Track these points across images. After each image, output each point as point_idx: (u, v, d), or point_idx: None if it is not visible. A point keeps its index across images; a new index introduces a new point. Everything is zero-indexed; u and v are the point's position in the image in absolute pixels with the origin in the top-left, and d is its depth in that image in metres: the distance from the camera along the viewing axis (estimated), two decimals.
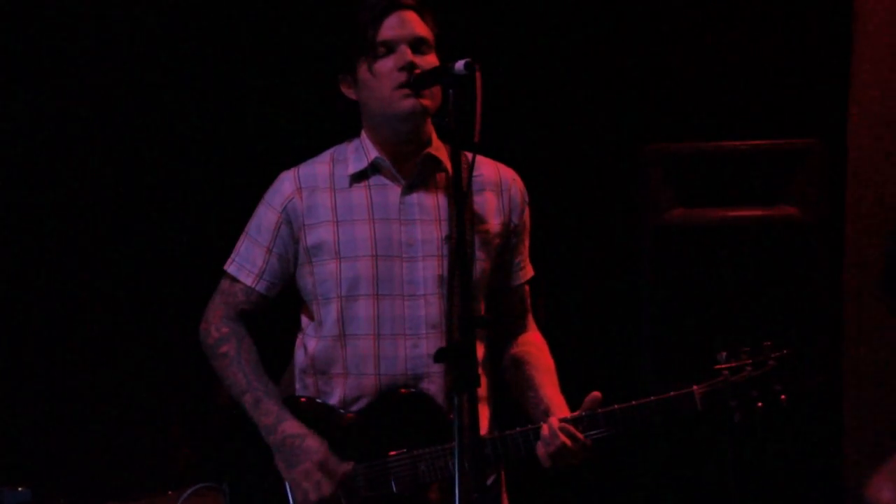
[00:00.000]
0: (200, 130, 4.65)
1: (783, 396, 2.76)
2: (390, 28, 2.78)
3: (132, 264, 4.68)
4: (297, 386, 2.94)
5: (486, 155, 2.93)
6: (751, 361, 2.78)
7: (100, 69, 4.56)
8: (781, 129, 4.20)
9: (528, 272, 3.03)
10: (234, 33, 4.64)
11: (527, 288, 3.04)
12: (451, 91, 2.55)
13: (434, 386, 2.80)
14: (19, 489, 4.07)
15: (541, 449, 2.71)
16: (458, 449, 2.33)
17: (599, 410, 2.74)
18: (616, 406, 2.75)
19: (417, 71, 2.74)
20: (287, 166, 2.96)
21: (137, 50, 4.60)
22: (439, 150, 2.87)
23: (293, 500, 2.78)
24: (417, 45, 2.78)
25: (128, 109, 4.60)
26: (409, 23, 2.79)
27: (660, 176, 4.05)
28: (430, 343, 2.79)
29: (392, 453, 2.77)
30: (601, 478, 4.30)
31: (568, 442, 2.69)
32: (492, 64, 2.60)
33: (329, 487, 2.73)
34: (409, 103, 2.75)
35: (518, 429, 2.76)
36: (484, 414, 2.87)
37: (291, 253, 2.86)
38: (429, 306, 2.80)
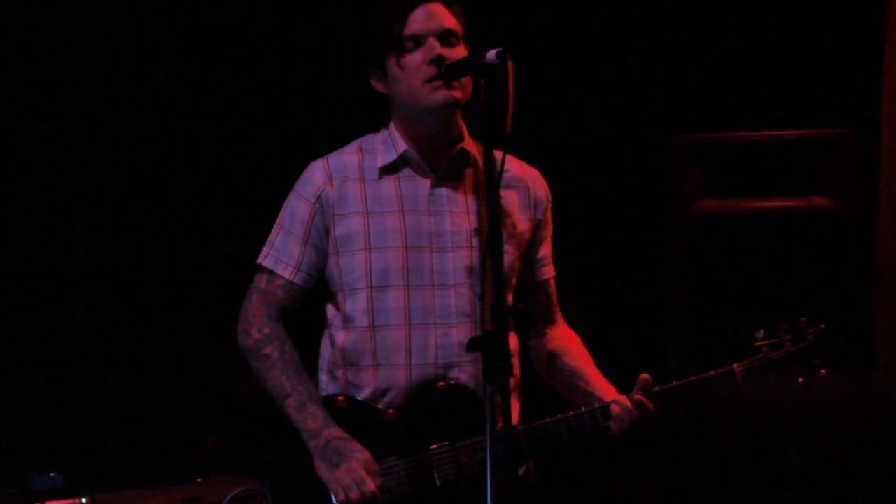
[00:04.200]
0: (220, 127, 4.69)
1: (822, 371, 2.77)
2: (417, 21, 2.77)
3: (162, 254, 4.71)
4: (325, 379, 2.93)
5: (515, 144, 2.93)
6: (790, 337, 2.80)
7: (128, 63, 4.59)
8: (813, 118, 4.17)
9: (552, 269, 3.05)
10: (261, 26, 4.66)
11: (552, 283, 3.05)
12: (482, 81, 2.54)
13: (465, 375, 2.80)
14: (51, 475, 4.10)
15: (613, 425, 2.76)
16: (490, 438, 2.32)
17: (656, 388, 2.78)
18: (657, 388, 2.79)
19: (447, 63, 2.73)
20: (302, 160, 2.96)
21: (163, 44, 4.62)
22: (470, 144, 2.88)
23: (336, 500, 2.76)
24: (446, 37, 2.77)
25: (144, 104, 4.63)
26: (436, 15, 2.78)
27: (689, 166, 4.04)
28: (460, 332, 2.79)
29: (433, 447, 2.77)
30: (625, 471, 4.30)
31: (641, 415, 2.75)
32: (520, 54, 2.60)
33: (372, 485, 2.72)
34: (439, 95, 2.75)
35: (584, 409, 2.79)
36: (514, 406, 2.87)
37: (325, 244, 2.85)
38: (459, 296, 2.81)
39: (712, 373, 2.78)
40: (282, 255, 2.88)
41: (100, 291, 4.64)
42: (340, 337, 2.88)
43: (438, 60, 2.73)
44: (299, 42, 4.67)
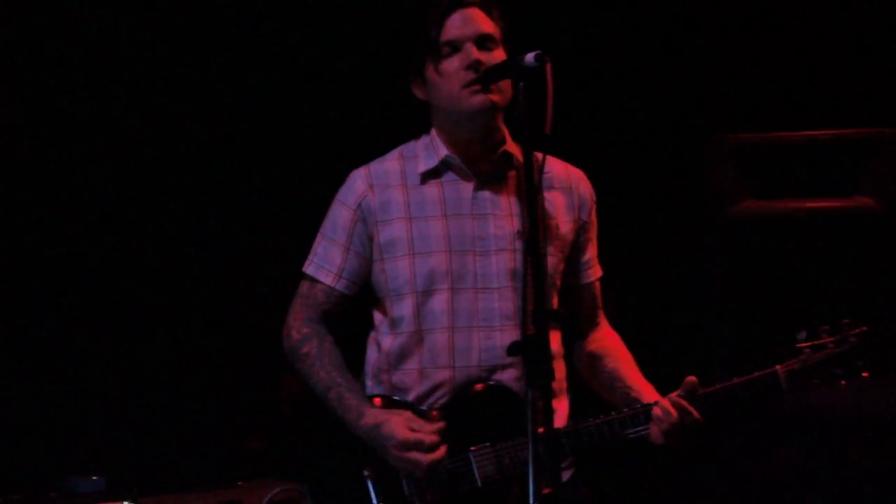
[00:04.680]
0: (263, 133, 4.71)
1: (865, 374, 2.75)
2: (454, 27, 2.78)
3: (209, 262, 4.74)
4: (370, 384, 2.94)
5: (555, 146, 2.92)
6: (832, 339, 2.77)
7: (165, 66, 4.62)
8: (856, 118, 4.13)
9: (598, 271, 3.03)
10: (307, 35, 4.67)
11: (597, 285, 3.04)
12: (521, 84, 2.53)
13: (507, 377, 2.80)
14: (93, 478, 4.13)
15: (654, 428, 2.72)
16: (532, 441, 2.31)
17: (700, 391, 2.74)
18: (700, 391, 2.75)
19: (483, 68, 2.74)
20: (349, 168, 2.97)
21: (206, 50, 4.64)
22: (513, 147, 2.87)
23: (375, 498, 2.79)
24: (483, 41, 2.78)
25: (186, 109, 4.65)
26: (472, 20, 2.79)
27: (730, 167, 4.01)
28: (503, 335, 2.79)
29: (474, 447, 2.76)
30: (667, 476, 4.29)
31: (682, 418, 2.70)
32: (559, 56, 2.58)
33: (425, 459, 2.72)
34: (477, 100, 2.75)
35: (626, 410, 2.77)
36: (563, 406, 2.90)
37: (368, 250, 2.87)
38: (503, 299, 2.81)
39: (756, 374, 2.75)
40: (324, 262, 2.91)
41: (146, 298, 4.67)
42: (387, 341, 2.89)
43: (475, 65, 2.74)
44: (344, 51, 4.68)
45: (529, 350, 2.35)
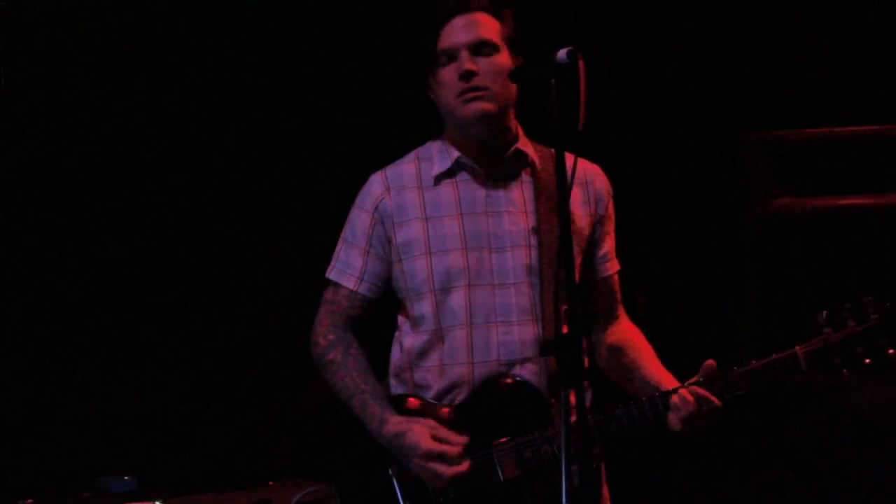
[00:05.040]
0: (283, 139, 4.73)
1: (891, 350, 2.66)
2: (449, 36, 2.82)
3: (240, 262, 4.76)
4: (393, 382, 2.95)
5: (588, 144, 2.90)
6: (853, 318, 2.69)
7: (188, 71, 4.64)
8: (891, 114, 4.08)
9: (616, 265, 3.03)
10: (320, 41, 4.68)
11: (615, 279, 3.03)
12: (553, 80, 2.50)
13: (526, 371, 2.81)
14: (125, 478, 4.14)
15: (672, 416, 2.71)
16: (566, 441, 2.29)
17: (719, 376, 2.72)
18: (719, 375, 2.73)
19: (474, 79, 2.77)
20: (372, 171, 2.99)
21: (224, 56, 4.67)
22: (526, 145, 2.91)
23: (401, 497, 2.81)
24: (479, 48, 2.81)
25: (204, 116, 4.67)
26: (467, 28, 2.82)
27: (764, 164, 3.98)
28: (521, 329, 2.81)
29: (495, 442, 2.77)
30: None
31: (700, 406, 2.69)
32: (590, 53, 2.56)
33: (447, 470, 2.74)
34: (469, 109, 2.79)
35: (644, 398, 2.76)
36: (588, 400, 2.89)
37: (387, 252, 2.90)
38: (519, 294, 2.82)
39: (774, 357, 2.71)
40: (346, 267, 2.94)
41: (180, 299, 4.68)
42: (409, 340, 2.91)
43: (466, 75, 2.78)
44: (364, 54, 4.69)
45: (562, 349, 2.34)
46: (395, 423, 2.81)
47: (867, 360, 2.68)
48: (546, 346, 2.41)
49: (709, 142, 4.43)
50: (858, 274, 3.92)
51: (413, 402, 2.88)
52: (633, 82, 4.52)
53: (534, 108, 2.82)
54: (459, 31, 2.81)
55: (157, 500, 4.05)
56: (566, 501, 2.28)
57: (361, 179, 2.99)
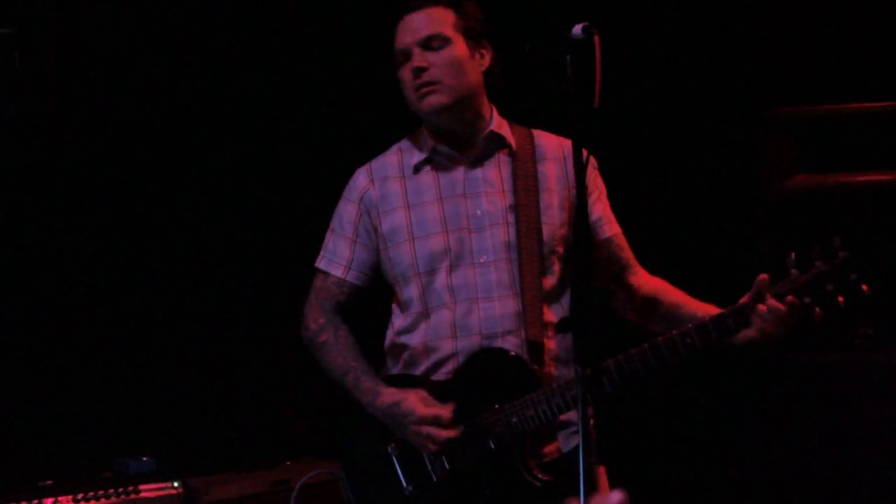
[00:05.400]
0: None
1: (864, 287, 2.62)
2: (401, 35, 2.95)
3: (251, 249, 4.78)
4: (388, 363, 3.07)
5: (603, 122, 2.89)
6: (821, 257, 2.67)
7: (196, 73, 4.66)
8: None
9: (614, 227, 3.08)
10: (315, 40, 4.70)
11: (618, 238, 3.07)
12: (568, 57, 2.50)
13: (508, 343, 2.89)
14: (143, 459, 4.16)
15: (757, 324, 2.71)
16: (582, 419, 2.29)
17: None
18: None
19: (424, 75, 2.89)
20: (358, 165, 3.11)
21: (215, 53, 4.68)
22: (501, 126, 3.01)
23: (401, 471, 2.90)
24: (427, 43, 2.92)
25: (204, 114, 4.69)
26: (413, 26, 2.93)
27: (783, 141, 3.95)
28: (501, 304, 2.90)
29: (484, 413, 2.85)
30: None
31: (785, 307, 2.68)
32: (608, 29, 2.55)
33: (441, 433, 2.83)
34: (424, 104, 2.92)
35: (708, 318, 2.76)
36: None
37: (374, 241, 3.02)
38: (499, 271, 2.91)
39: (741, 301, 2.71)
40: (334, 256, 3.07)
41: (196, 282, 4.70)
42: (398, 322, 3.02)
43: (417, 71, 2.90)
44: (352, 54, 4.71)
45: (578, 327, 2.35)
46: (389, 395, 2.91)
47: (841, 299, 2.63)
48: (562, 323, 2.42)
49: (727, 119, 4.41)
50: (876, 250, 3.89)
51: (404, 380, 2.98)
52: (651, 60, 4.50)
53: (548, 86, 2.81)
54: (409, 29, 2.93)
55: (175, 480, 4.07)
56: (583, 460, 2.31)
57: (350, 174, 3.10)
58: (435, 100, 2.90)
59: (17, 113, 4.17)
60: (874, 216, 3.93)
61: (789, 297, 2.69)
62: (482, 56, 2.97)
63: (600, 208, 3.05)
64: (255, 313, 4.81)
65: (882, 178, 3.94)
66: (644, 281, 3.06)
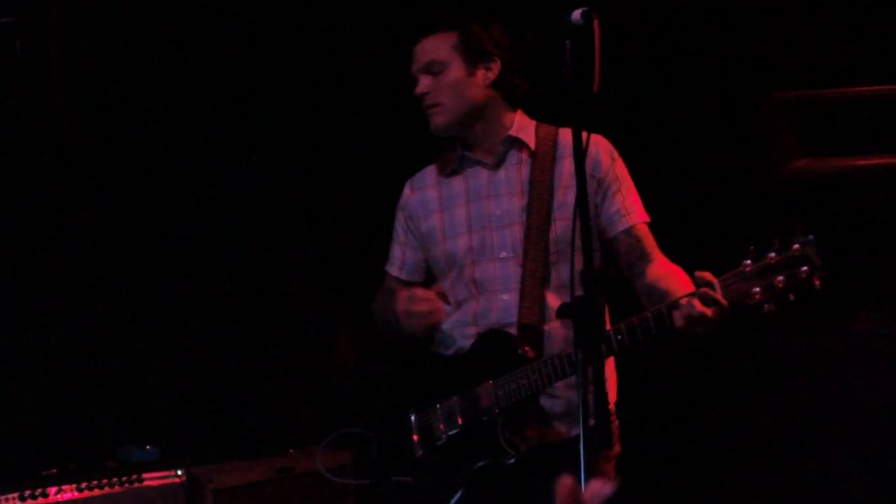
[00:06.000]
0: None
1: (816, 281, 2.58)
2: (412, 63, 3.22)
3: (260, 239, 4.79)
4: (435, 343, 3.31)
5: (606, 105, 2.88)
6: (776, 249, 2.64)
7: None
8: None
9: (633, 218, 3.15)
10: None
11: (639, 229, 3.15)
12: (567, 42, 2.52)
13: (514, 330, 3.08)
14: (147, 448, 4.17)
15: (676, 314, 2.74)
16: (583, 406, 2.30)
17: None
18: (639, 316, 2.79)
19: (426, 98, 3.17)
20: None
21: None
22: (522, 129, 3.21)
23: (415, 433, 3.10)
24: (428, 69, 3.19)
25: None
26: (419, 53, 3.21)
27: (786, 125, 3.94)
28: (514, 296, 3.10)
29: (477, 386, 3.04)
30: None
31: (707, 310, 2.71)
32: (609, 13, 2.54)
33: (418, 305, 3.05)
34: (431, 124, 3.20)
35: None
36: (610, 364, 3.14)
37: (419, 243, 3.34)
38: (515, 266, 3.12)
39: (695, 291, 2.70)
40: (393, 259, 3.44)
41: (202, 273, 4.71)
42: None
43: (420, 97, 3.19)
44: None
45: (578, 312, 2.39)
46: (389, 291, 3.27)
47: (792, 297, 2.60)
48: (563, 309, 2.44)
49: (730, 103, 4.39)
50: (879, 234, 3.88)
51: (434, 355, 3.25)
52: (653, 44, 4.48)
53: (547, 71, 2.80)
54: (414, 58, 3.21)
55: (178, 468, 4.08)
56: (583, 440, 2.33)
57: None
58: (437, 120, 3.19)
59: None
60: (876, 200, 3.92)
61: (733, 286, 2.68)
62: (487, 69, 3.16)
63: (619, 201, 3.16)
64: (259, 302, 4.81)
65: (886, 161, 3.92)
66: (655, 269, 3.12)
